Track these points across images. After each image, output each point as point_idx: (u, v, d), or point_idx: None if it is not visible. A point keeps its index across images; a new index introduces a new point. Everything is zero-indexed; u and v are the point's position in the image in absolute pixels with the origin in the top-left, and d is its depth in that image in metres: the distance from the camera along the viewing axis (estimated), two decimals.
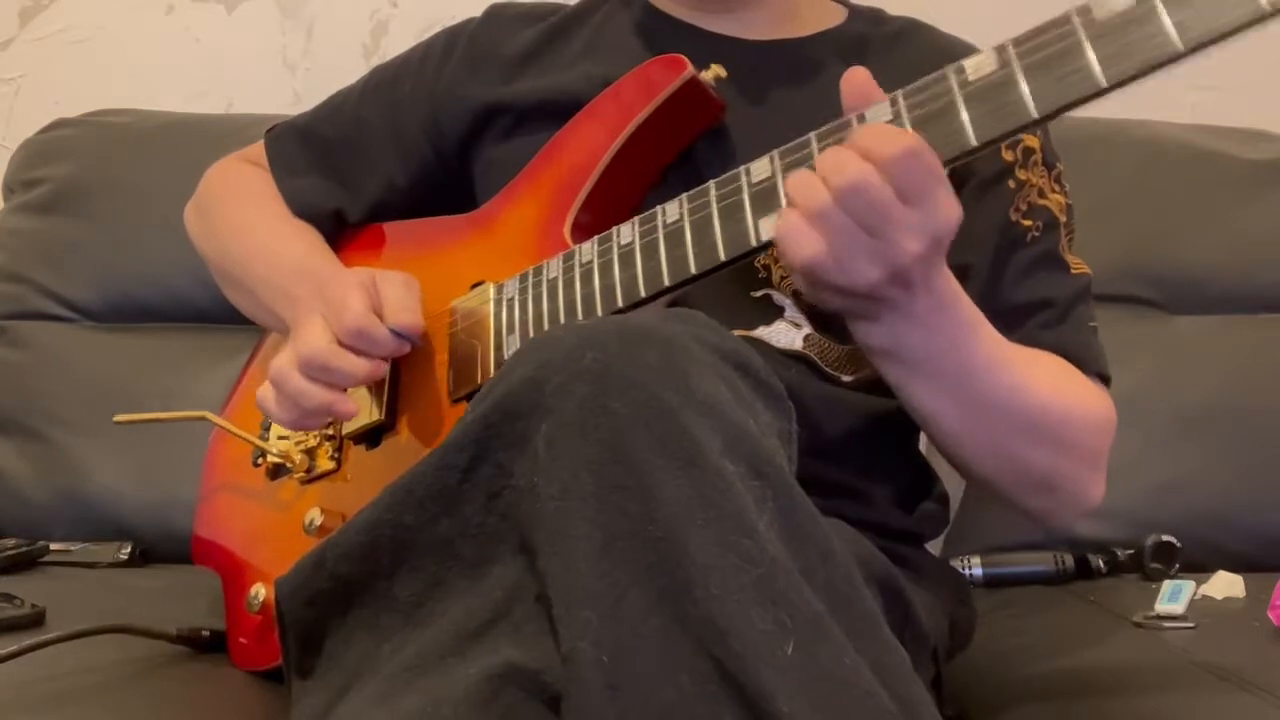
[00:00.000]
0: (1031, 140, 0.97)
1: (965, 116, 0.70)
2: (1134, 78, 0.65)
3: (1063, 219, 0.97)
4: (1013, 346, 0.86)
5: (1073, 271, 0.97)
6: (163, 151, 1.47)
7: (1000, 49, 0.70)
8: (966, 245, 0.91)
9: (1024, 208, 0.96)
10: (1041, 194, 0.96)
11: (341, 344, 0.88)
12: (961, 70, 0.71)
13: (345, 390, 0.89)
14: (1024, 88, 0.68)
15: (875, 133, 0.71)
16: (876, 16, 1.06)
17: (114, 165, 1.48)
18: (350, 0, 1.69)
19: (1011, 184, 0.96)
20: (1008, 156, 0.96)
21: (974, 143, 0.70)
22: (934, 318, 0.78)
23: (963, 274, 0.92)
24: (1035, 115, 0.68)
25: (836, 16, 1.05)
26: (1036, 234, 0.96)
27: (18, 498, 1.36)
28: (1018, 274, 0.95)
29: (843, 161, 0.71)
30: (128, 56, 1.68)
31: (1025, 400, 0.85)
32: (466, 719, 0.61)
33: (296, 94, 1.67)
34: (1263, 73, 1.69)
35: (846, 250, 0.72)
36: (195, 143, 1.42)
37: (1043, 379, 0.87)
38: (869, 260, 0.72)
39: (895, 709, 0.58)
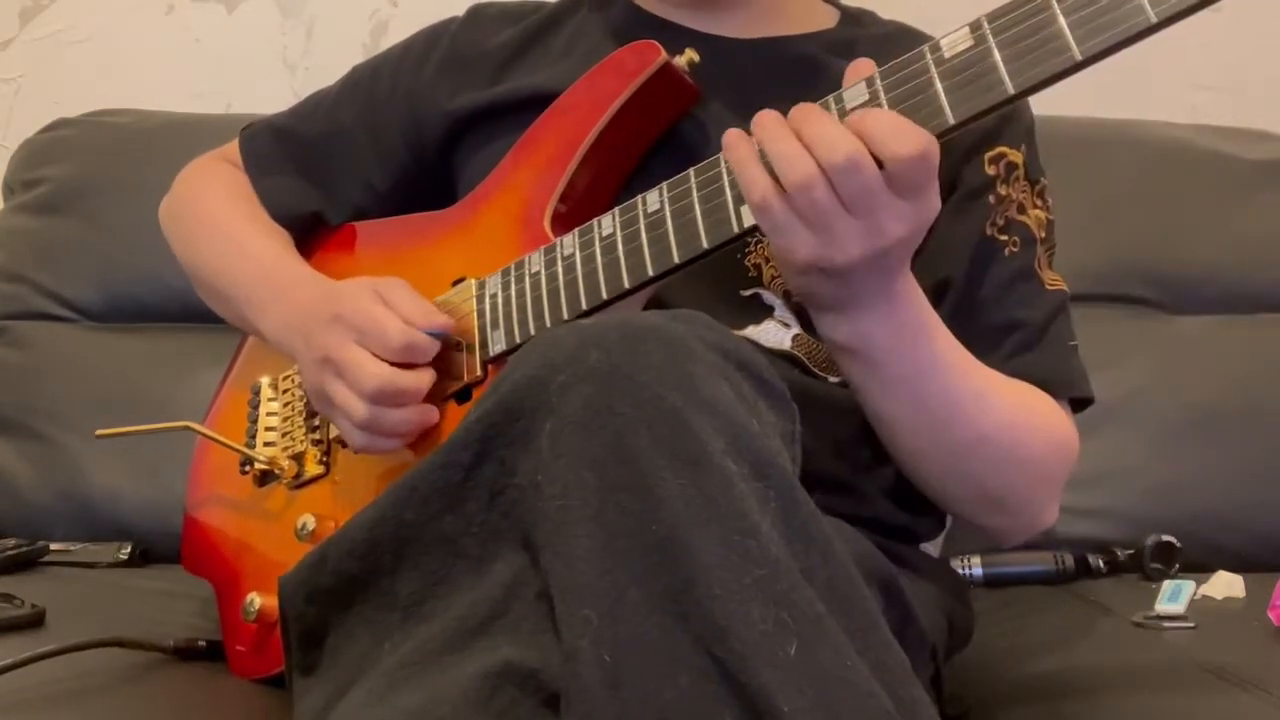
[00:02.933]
0: (1014, 155, 0.96)
1: (943, 95, 0.70)
2: (1109, 50, 0.65)
3: (1041, 235, 0.96)
4: (973, 360, 0.87)
5: (1048, 288, 0.95)
6: (163, 151, 1.46)
7: (975, 25, 0.69)
8: (945, 259, 0.92)
9: (1001, 223, 0.95)
10: (1021, 209, 0.95)
11: (392, 363, 0.87)
12: (937, 48, 0.71)
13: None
14: (1000, 63, 0.68)
15: (891, 127, 0.70)
16: (867, 19, 1.06)
17: (114, 165, 1.48)
18: (350, 0, 1.69)
19: (991, 199, 0.95)
20: (990, 170, 0.95)
21: (952, 121, 0.70)
22: (897, 312, 0.79)
23: (942, 288, 0.92)
24: (1011, 91, 0.68)
25: (827, 19, 1.04)
26: (1014, 249, 0.95)
27: (18, 498, 1.36)
28: (993, 290, 0.94)
29: (836, 136, 0.70)
30: (128, 56, 1.68)
31: (982, 413, 0.85)
32: (464, 718, 0.61)
33: (296, 94, 1.66)
34: (1263, 73, 1.69)
35: (827, 227, 0.72)
36: (195, 143, 1.41)
37: (1002, 397, 0.87)
38: (852, 239, 0.72)
39: (894, 710, 0.58)
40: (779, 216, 0.72)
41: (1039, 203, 0.97)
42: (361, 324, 0.88)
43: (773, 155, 0.72)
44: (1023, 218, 0.96)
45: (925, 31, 1.05)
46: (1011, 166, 0.96)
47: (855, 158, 0.70)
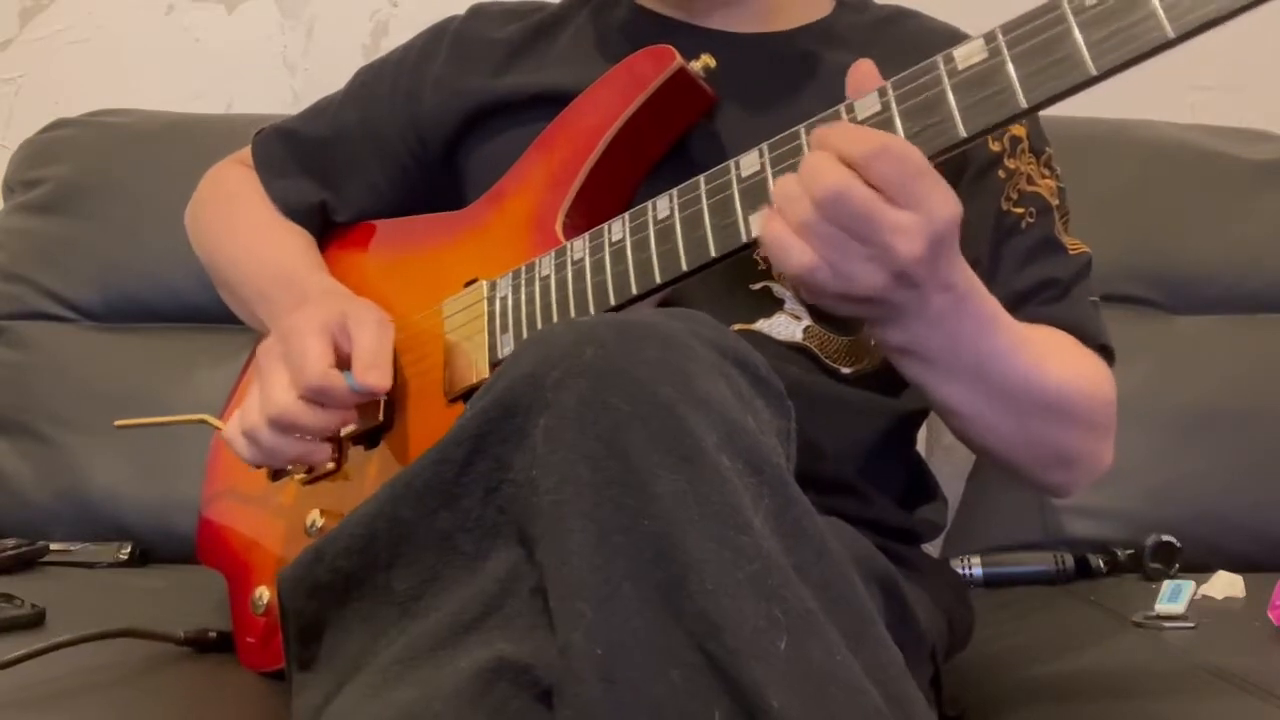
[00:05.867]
0: (1018, 129, 0.97)
1: (955, 107, 0.69)
2: (1124, 65, 0.64)
3: (1055, 203, 0.98)
4: (1025, 329, 0.86)
5: (1071, 252, 0.97)
6: (163, 151, 1.47)
7: (989, 36, 0.69)
8: (967, 239, 0.92)
9: (1015, 196, 0.96)
10: (1031, 181, 0.97)
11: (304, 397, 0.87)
12: (951, 59, 0.70)
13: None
14: (1014, 77, 0.67)
15: (841, 134, 0.70)
16: (863, 5, 1.06)
17: (114, 165, 1.48)
18: (350, 0, 1.69)
19: (1001, 174, 0.96)
20: (995, 147, 0.96)
21: (964, 134, 0.69)
22: (952, 315, 0.78)
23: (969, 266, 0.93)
24: (1025, 105, 0.67)
25: (824, 8, 1.05)
26: (1030, 220, 0.96)
27: (18, 498, 1.36)
28: (1017, 262, 0.95)
29: (820, 169, 0.70)
30: (128, 56, 1.68)
31: (1042, 383, 0.85)
32: (457, 713, 0.61)
33: (296, 94, 1.67)
34: (1263, 73, 1.69)
35: (841, 259, 0.71)
36: (195, 143, 1.42)
37: (1055, 358, 0.88)
38: (867, 267, 0.71)
39: (886, 707, 0.58)
40: (796, 258, 0.72)
41: (1047, 172, 0.98)
42: (291, 349, 0.87)
43: (774, 197, 0.73)
44: (1034, 188, 0.97)
45: (921, 12, 1.05)
46: (1015, 140, 0.97)
47: (837, 188, 0.69)
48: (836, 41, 1.00)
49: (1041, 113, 1.00)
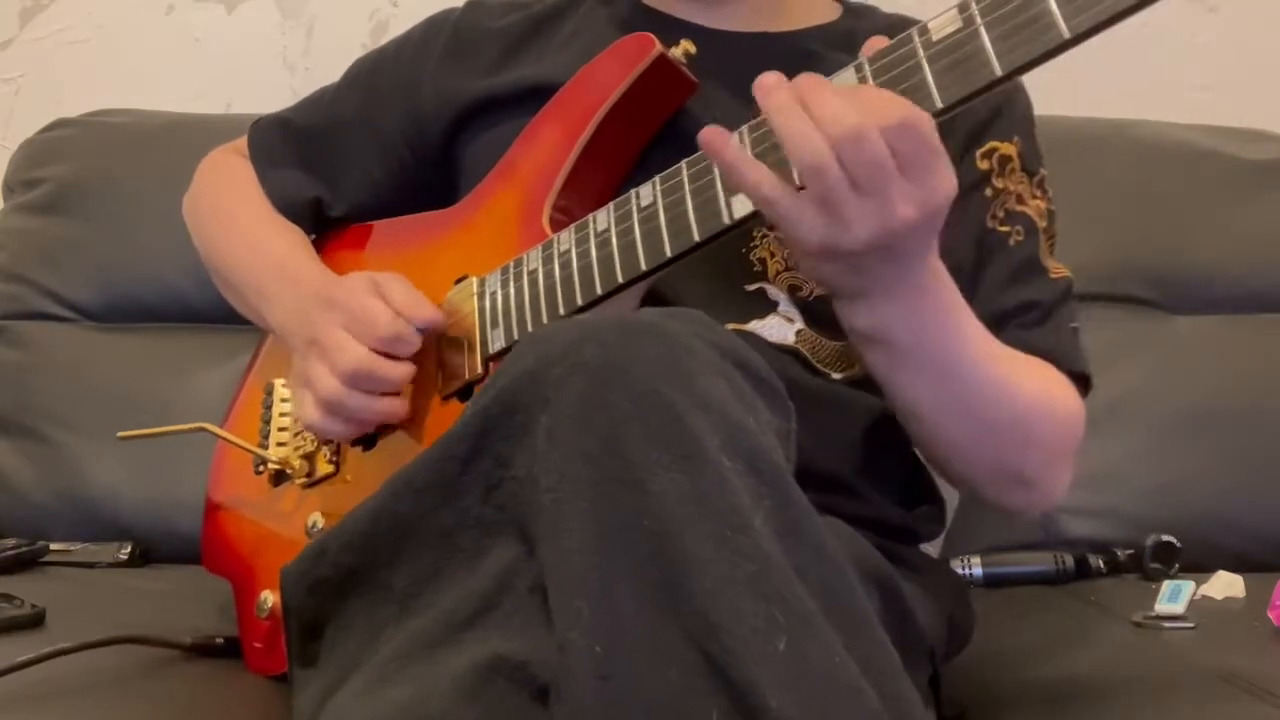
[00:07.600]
0: (1006, 148, 0.97)
1: (930, 79, 0.69)
2: (1098, 27, 0.64)
3: (1043, 224, 0.97)
4: (997, 344, 0.87)
5: (1052, 276, 0.97)
6: (163, 151, 1.47)
7: (963, 6, 0.68)
8: (952, 249, 0.92)
9: (1001, 215, 0.96)
10: (1020, 200, 0.96)
11: (375, 351, 0.88)
12: (925, 31, 0.70)
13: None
14: (988, 45, 0.67)
15: (876, 95, 0.69)
16: (868, 13, 1.06)
17: (114, 165, 1.48)
18: (350, 0, 1.69)
19: (989, 192, 0.96)
20: (984, 165, 0.96)
21: (940, 104, 0.69)
22: (921, 302, 0.78)
23: (951, 276, 0.93)
24: (999, 73, 0.67)
25: (829, 13, 1.05)
26: (1019, 239, 0.96)
27: (18, 498, 1.36)
28: (999, 280, 0.95)
29: (840, 111, 0.69)
30: (128, 56, 1.68)
31: (1011, 399, 0.85)
32: (453, 711, 0.61)
33: (296, 94, 1.65)
34: (1263, 73, 1.69)
35: (836, 208, 0.70)
36: (195, 143, 1.41)
37: (1024, 377, 0.88)
38: (859, 219, 0.70)
39: (883, 707, 0.59)
40: (787, 208, 0.71)
41: (1038, 193, 0.98)
42: (353, 309, 0.89)
43: (784, 133, 0.70)
44: (1022, 208, 0.96)
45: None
46: (1005, 160, 0.97)
47: (860, 129, 0.68)
48: (839, 44, 1.00)
49: (1041, 112, 1.01)
